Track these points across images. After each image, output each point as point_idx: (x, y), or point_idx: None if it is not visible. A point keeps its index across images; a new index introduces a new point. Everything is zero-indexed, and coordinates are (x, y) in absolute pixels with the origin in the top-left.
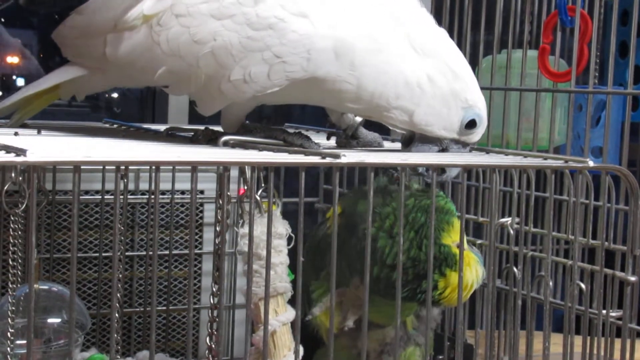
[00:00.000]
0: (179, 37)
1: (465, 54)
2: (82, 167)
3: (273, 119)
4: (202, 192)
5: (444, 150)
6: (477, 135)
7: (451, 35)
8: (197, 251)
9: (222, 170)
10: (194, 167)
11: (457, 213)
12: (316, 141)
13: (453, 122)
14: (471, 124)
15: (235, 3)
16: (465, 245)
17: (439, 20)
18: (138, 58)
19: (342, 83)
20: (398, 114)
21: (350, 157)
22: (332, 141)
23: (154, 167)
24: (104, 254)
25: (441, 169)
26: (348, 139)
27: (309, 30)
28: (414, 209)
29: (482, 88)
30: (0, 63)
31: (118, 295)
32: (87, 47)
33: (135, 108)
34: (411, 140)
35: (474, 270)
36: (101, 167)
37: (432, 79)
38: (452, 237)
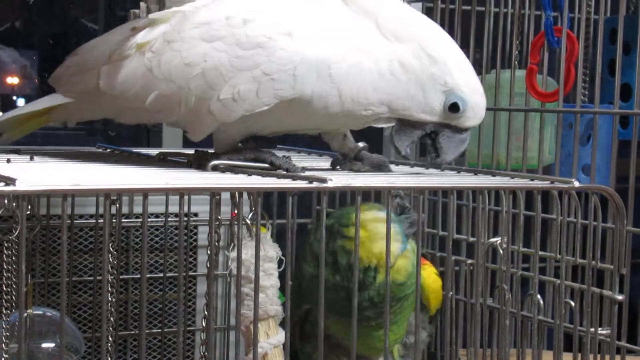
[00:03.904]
0: (170, 61)
1: None
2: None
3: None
4: (195, 214)
5: (431, 134)
6: (469, 119)
7: None
8: (191, 273)
9: (211, 195)
10: (182, 194)
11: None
12: (312, 163)
13: (433, 106)
14: (454, 107)
15: (225, 25)
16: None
17: None
18: (131, 86)
19: (328, 97)
20: (377, 107)
21: (336, 181)
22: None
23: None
24: (98, 278)
25: (435, 155)
26: (352, 162)
27: (296, 48)
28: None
29: None
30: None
31: (112, 319)
32: (81, 82)
33: (130, 132)
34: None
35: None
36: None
37: (404, 65)
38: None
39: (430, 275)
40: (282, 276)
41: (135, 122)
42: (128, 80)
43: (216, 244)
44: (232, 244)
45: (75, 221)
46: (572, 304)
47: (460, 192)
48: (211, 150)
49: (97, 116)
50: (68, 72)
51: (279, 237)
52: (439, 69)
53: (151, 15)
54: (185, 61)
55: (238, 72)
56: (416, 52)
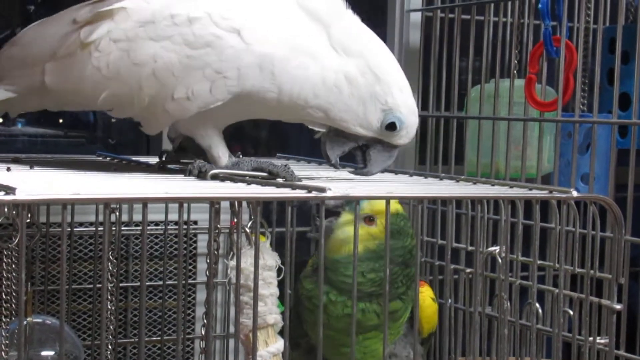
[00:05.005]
0: (118, 61)
1: (453, 83)
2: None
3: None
4: (195, 222)
5: (361, 147)
6: (402, 138)
7: (440, 64)
8: (190, 281)
9: (211, 204)
10: (181, 203)
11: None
12: (311, 172)
13: (371, 122)
14: (391, 126)
15: (171, 25)
16: None
17: (428, 49)
18: (79, 84)
19: (266, 93)
20: (314, 112)
21: (335, 190)
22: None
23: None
24: (98, 285)
25: (363, 165)
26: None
27: (242, 46)
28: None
29: (470, 117)
30: None
31: (111, 327)
32: (24, 77)
33: (129, 140)
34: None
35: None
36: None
37: (350, 79)
38: None
39: (425, 299)
40: (281, 285)
41: (83, 109)
42: (76, 79)
43: (215, 252)
44: (232, 253)
45: (74, 229)
46: (571, 313)
47: (459, 201)
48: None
49: (40, 108)
50: (8, 66)
51: (278, 246)
52: (381, 89)
53: (93, 9)
54: (134, 61)
55: (190, 71)
56: (362, 68)
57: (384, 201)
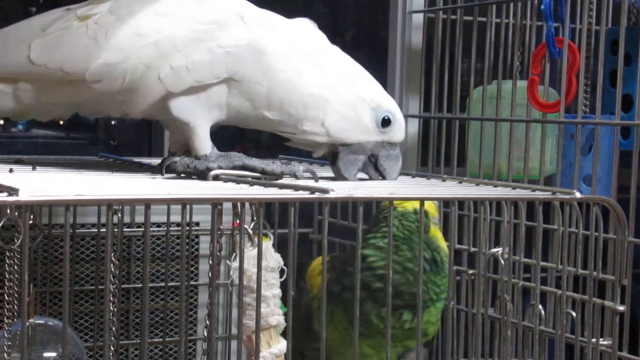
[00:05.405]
0: (118, 31)
1: (456, 84)
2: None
3: (268, 149)
4: (197, 224)
5: (370, 158)
6: (397, 132)
7: (442, 65)
8: (192, 283)
9: (213, 205)
10: (184, 205)
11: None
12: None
13: (367, 124)
14: (386, 122)
15: (177, 4)
16: None
17: (430, 51)
18: (69, 56)
19: (256, 85)
20: (311, 125)
21: (339, 191)
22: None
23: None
24: (100, 287)
25: (381, 177)
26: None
27: (244, 32)
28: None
29: (473, 118)
30: None
31: (114, 328)
32: (5, 58)
33: (131, 141)
34: (335, 156)
35: None
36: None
37: (333, 88)
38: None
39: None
40: (283, 286)
41: (60, 102)
42: (67, 51)
43: (218, 253)
44: (234, 254)
45: (77, 230)
46: (574, 314)
47: (461, 202)
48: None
49: (17, 108)
50: None
51: (280, 247)
52: (363, 89)
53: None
54: (135, 31)
55: (193, 43)
56: (341, 77)
57: (432, 204)
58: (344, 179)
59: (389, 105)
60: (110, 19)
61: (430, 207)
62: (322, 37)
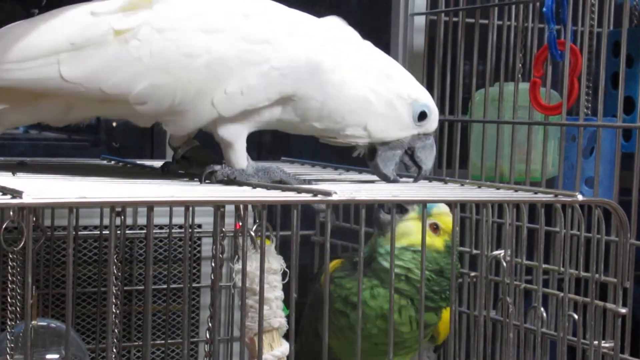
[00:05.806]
0: (164, 50)
1: (458, 87)
2: None
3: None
4: (199, 226)
5: (407, 151)
6: (432, 122)
7: (444, 68)
8: (195, 285)
9: (216, 208)
10: (187, 207)
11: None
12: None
13: (405, 120)
14: (423, 116)
15: (223, 18)
16: None
17: (432, 53)
18: (110, 75)
19: (310, 101)
20: (353, 130)
21: (341, 194)
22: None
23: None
24: (103, 289)
25: (418, 168)
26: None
27: (294, 45)
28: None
29: (475, 121)
30: None
31: (116, 330)
32: (28, 70)
33: (134, 143)
34: (373, 152)
35: None
36: None
37: (374, 90)
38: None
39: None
40: (286, 288)
41: (88, 117)
42: (106, 70)
43: (220, 255)
44: (237, 256)
45: (79, 232)
46: (576, 316)
47: (463, 204)
48: None
49: (31, 119)
50: (8, 58)
51: (282, 249)
52: (399, 85)
53: (119, 2)
54: (183, 51)
55: (246, 65)
56: (378, 76)
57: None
58: (383, 175)
59: (425, 98)
60: (153, 35)
61: (446, 222)
62: (355, 35)
